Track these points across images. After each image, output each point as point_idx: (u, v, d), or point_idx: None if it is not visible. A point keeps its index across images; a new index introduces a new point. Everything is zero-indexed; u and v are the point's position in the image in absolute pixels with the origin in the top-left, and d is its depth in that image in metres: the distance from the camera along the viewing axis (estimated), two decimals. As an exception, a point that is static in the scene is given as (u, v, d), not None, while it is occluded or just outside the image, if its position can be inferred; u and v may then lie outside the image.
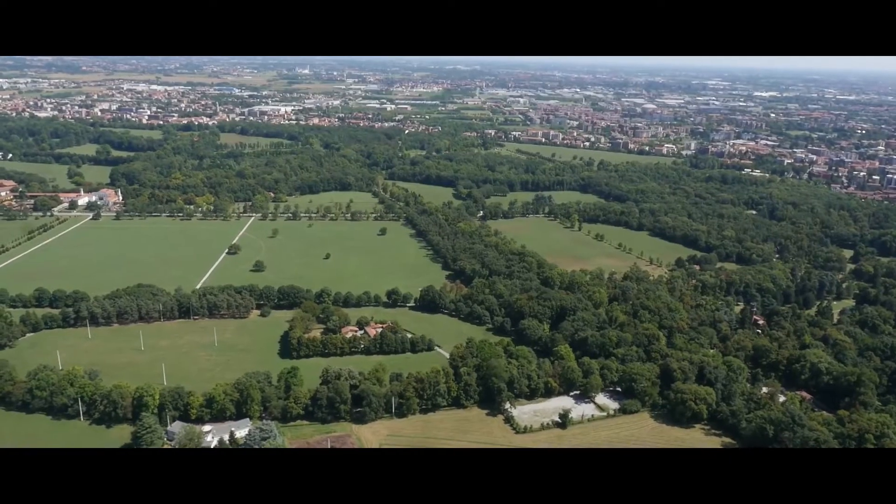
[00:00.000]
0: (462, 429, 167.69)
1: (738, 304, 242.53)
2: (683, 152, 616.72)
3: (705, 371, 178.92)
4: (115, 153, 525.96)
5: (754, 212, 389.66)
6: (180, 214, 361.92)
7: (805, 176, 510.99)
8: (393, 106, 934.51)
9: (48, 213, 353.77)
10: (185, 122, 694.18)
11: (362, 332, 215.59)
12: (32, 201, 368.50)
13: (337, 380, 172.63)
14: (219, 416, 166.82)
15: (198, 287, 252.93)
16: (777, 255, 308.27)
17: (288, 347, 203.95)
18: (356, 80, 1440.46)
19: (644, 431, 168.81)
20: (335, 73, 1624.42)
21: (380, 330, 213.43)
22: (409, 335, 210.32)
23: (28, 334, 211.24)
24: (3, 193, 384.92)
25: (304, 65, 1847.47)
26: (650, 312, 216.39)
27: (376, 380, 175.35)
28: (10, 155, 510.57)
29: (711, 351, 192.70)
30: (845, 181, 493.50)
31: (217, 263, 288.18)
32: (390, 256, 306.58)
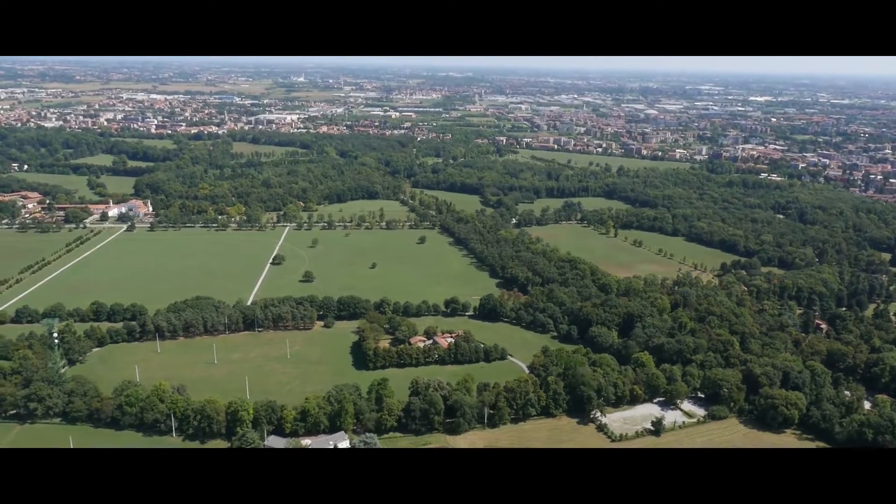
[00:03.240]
0: (557, 438, 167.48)
1: (798, 309, 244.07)
2: (696, 157, 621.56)
3: (791, 376, 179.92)
4: (131, 163, 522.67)
5: (782, 216, 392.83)
6: (214, 225, 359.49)
7: (821, 180, 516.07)
8: (397, 113, 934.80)
9: (81, 225, 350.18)
10: (194, 131, 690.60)
11: (431, 341, 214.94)
12: (62, 213, 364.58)
13: (426, 390, 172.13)
14: (312, 430, 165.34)
15: (251, 298, 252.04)
16: (817, 259, 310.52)
17: (363, 358, 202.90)
18: (353, 87, 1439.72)
19: (737, 437, 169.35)
20: (331, 81, 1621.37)
21: (450, 339, 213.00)
22: (482, 344, 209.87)
23: (94, 349, 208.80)
24: (30, 205, 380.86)
25: (299, 72, 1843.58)
26: (719, 318, 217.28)
27: (465, 389, 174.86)
28: (26, 166, 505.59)
29: (790, 356, 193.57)
30: (862, 185, 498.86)
31: (264, 274, 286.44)
32: (434, 265, 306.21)
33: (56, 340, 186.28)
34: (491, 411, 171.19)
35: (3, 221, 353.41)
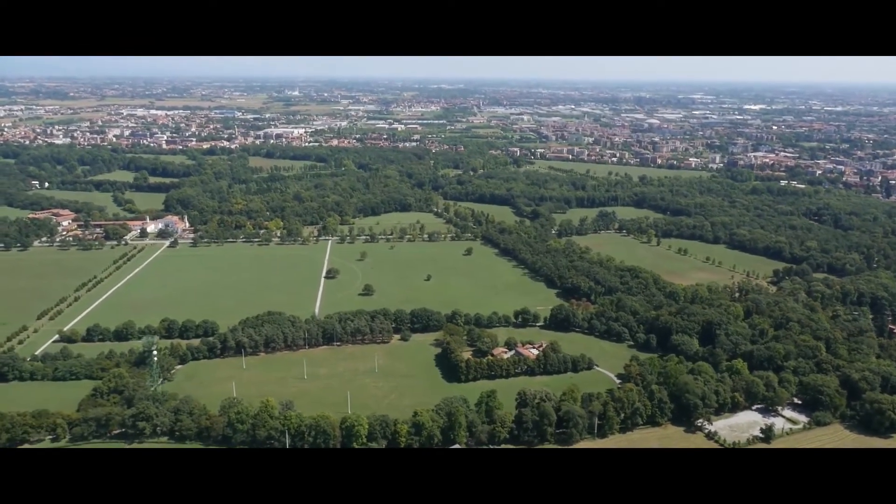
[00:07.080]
0: (669, 447, 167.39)
1: (869, 314, 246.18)
2: (710, 165, 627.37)
3: (891, 380, 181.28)
4: (153, 179, 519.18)
5: (816, 222, 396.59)
6: (257, 240, 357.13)
7: (840, 186, 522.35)
8: (402, 126, 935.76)
9: (122, 242, 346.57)
10: (206, 146, 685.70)
11: (513, 352, 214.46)
12: (100, 230, 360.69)
13: (534, 401, 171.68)
14: (426, 444, 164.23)
15: (316, 312, 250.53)
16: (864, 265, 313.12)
17: (451, 370, 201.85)
18: (350, 100, 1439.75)
19: (846, 443, 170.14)
20: (325, 94, 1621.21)
21: (533, 350, 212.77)
22: (569, 355, 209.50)
23: (177, 366, 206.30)
24: (65, 223, 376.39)
25: (292, 86, 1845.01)
26: (799, 324, 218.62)
27: (572, 399, 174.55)
28: (47, 184, 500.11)
29: (884, 360, 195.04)
30: (882, 190, 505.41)
31: (321, 288, 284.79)
32: (487, 276, 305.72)
33: (155, 358, 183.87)
34: (599, 421, 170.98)
35: (43, 239, 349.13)
